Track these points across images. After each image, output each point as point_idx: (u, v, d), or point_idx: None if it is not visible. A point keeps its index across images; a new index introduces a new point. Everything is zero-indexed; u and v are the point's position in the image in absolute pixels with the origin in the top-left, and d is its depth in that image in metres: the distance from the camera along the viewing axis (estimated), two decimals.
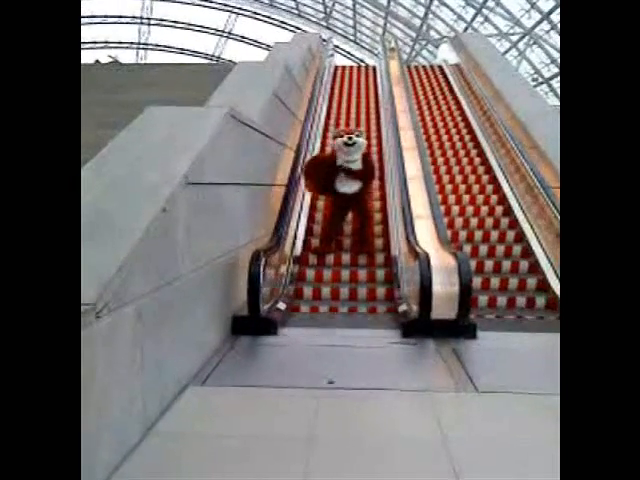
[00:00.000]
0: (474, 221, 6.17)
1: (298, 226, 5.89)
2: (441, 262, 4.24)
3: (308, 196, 6.36)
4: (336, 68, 12.42)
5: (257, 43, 38.01)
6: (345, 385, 2.82)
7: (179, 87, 8.27)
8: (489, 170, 7.30)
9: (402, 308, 4.36)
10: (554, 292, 4.96)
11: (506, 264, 5.54)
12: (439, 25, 29.72)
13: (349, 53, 37.59)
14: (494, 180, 7.01)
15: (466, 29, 26.88)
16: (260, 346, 3.55)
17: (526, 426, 2.40)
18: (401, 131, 7.43)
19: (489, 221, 6.19)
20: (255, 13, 36.66)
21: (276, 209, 5.31)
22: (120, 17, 37.50)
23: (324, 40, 13.39)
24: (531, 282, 5.26)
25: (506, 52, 25.08)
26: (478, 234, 5.98)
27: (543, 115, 6.92)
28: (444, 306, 3.86)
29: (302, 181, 5.94)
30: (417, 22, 30.17)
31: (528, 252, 5.65)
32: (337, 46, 24.77)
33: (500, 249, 5.77)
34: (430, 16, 29.00)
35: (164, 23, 37.98)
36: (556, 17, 22.58)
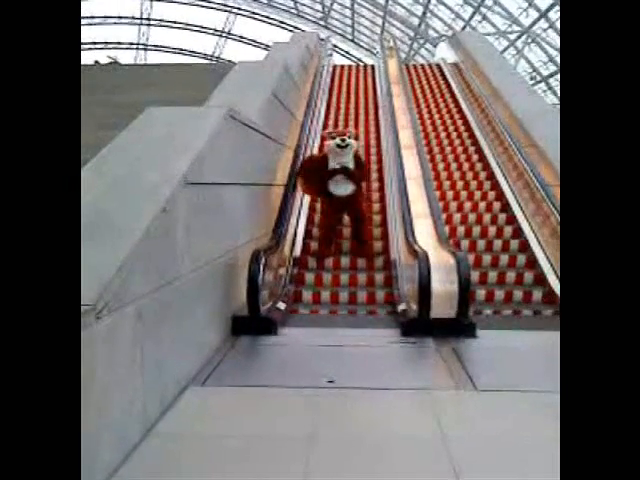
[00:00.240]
0: (472, 217, 6.30)
1: (298, 225, 5.89)
2: (440, 260, 4.25)
3: (307, 196, 6.36)
4: (334, 67, 12.41)
5: (256, 43, 38.01)
6: (345, 384, 2.82)
7: (178, 87, 8.26)
8: (486, 167, 7.35)
9: (401, 307, 4.37)
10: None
11: (498, 243, 5.80)
12: (437, 24, 29.75)
13: (347, 52, 37.61)
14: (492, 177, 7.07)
15: (464, 28, 26.89)
16: (260, 346, 3.55)
17: (526, 424, 2.40)
18: (400, 129, 7.44)
19: (487, 217, 6.30)
20: (254, 13, 36.66)
21: (275, 209, 5.31)
22: (119, 18, 37.48)
23: (322, 39, 13.39)
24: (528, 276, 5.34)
25: (504, 50, 25.10)
26: (476, 229, 6.06)
27: (542, 114, 6.93)
28: (443, 305, 3.87)
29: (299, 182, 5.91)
30: (415, 21, 30.18)
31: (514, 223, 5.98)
32: (335, 45, 24.77)
33: (492, 230, 5.98)
34: (428, 15, 29.01)
35: (163, 24, 37.97)
36: (554, 15, 22.61)
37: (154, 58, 38.87)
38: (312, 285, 5.35)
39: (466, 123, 8.85)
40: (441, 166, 7.45)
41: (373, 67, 12.74)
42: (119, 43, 39.12)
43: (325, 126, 8.78)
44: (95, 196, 2.52)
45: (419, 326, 3.74)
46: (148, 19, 37.66)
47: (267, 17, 36.74)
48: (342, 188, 5.45)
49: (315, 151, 7.39)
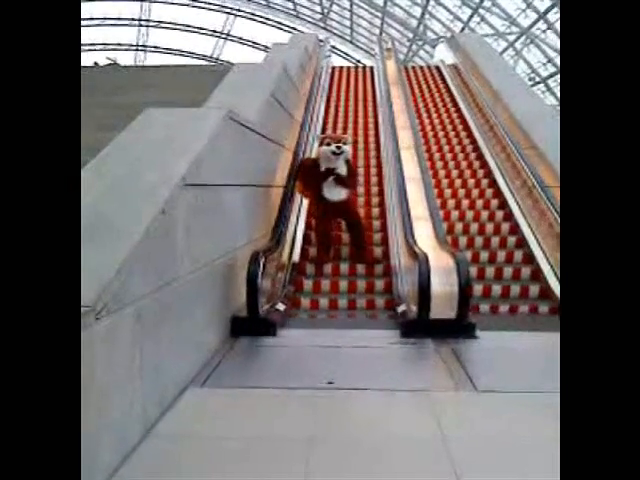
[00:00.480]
0: (469, 214, 6.34)
1: (297, 225, 5.88)
2: (439, 261, 4.25)
3: (305, 200, 6.33)
4: (333, 69, 12.40)
5: (255, 44, 38.05)
6: (344, 385, 2.82)
7: (178, 89, 8.26)
8: (488, 173, 7.35)
9: (401, 309, 4.36)
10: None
11: (490, 227, 5.99)
12: (436, 25, 29.77)
13: (346, 54, 37.65)
14: (492, 178, 7.07)
15: (463, 29, 26.93)
16: (259, 347, 3.55)
17: (526, 425, 2.40)
18: (399, 130, 7.44)
19: (484, 214, 6.35)
20: (252, 14, 36.72)
21: (274, 210, 5.31)
22: (119, 19, 37.50)
23: (321, 41, 13.37)
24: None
25: (503, 52, 25.14)
26: (473, 226, 6.14)
27: (542, 116, 6.94)
28: (443, 306, 3.87)
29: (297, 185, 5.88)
30: (414, 22, 30.22)
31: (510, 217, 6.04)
32: (334, 47, 24.72)
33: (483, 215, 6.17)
34: (427, 16, 29.04)
35: (162, 25, 38.00)
36: (552, 16, 22.65)
37: (153, 59, 38.96)
38: (310, 292, 5.26)
39: (464, 123, 8.88)
40: (439, 164, 7.51)
41: (372, 68, 12.73)
42: (118, 44, 39.19)
43: (324, 126, 8.79)
44: (94, 197, 2.52)
45: (419, 327, 3.73)
46: (147, 20, 37.70)
47: (266, 18, 36.81)
48: (335, 193, 5.44)
49: (314, 152, 7.38)
